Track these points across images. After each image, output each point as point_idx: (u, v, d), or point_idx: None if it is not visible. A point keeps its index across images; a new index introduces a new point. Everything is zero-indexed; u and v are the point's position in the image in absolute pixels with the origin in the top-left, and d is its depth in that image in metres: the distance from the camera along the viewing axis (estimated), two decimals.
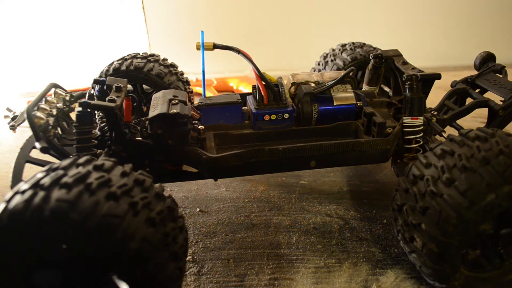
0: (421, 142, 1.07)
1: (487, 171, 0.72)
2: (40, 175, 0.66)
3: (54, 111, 1.03)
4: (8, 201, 0.63)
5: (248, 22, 2.55)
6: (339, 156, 1.02)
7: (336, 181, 1.34)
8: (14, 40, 2.40)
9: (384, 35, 2.54)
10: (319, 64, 1.54)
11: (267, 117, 1.07)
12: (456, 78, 1.28)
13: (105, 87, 1.03)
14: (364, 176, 1.36)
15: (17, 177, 0.99)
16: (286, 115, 1.08)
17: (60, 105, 1.08)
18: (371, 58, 1.22)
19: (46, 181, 0.64)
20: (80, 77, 2.64)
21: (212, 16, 2.52)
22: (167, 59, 1.36)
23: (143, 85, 1.33)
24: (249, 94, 1.17)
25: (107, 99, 0.94)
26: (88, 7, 2.48)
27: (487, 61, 1.28)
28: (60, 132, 1.06)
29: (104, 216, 0.62)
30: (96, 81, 1.05)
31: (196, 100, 1.15)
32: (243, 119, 1.11)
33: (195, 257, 1.02)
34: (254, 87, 1.11)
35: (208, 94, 1.97)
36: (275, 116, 1.07)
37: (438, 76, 1.16)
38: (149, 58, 1.31)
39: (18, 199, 0.62)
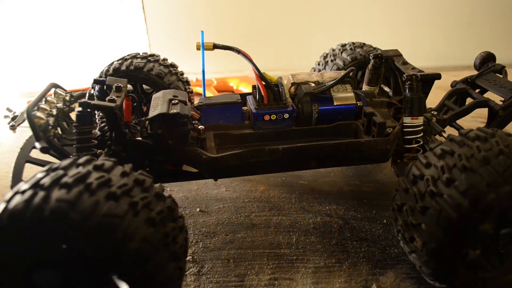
0: (421, 142, 1.07)
1: (487, 171, 0.72)
2: (40, 175, 0.66)
3: (54, 111, 1.03)
4: (8, 201, 0.63)
5: (248, 22, 2.55)
6: (339, 156, 1.02)
7: (336, 181, 1.33)
8: (14, 40, 2.40)
9: (384, 35, 2.54)
10: (319, 64, 1.54)
11: (267, 117, 1.07)
12: (456, 78, 1.28)
13: (105, 87, 1.03)
14: (364, 176, 1.36)
15: (17, 177, 0.99)
16: (286, 115, 1.08)
17: (60, 105, 1.08)
18: (371, 58, 1.22)
19: (46, 181, 0.64)
20: (80, 77, 2.64)
21: (212, 16, 2.52)
22: (167, 59, 1.36)
23: (143, 85, 1.33)
24: (249, 94, 1.17)
25: (107, 99, 0.94)
26: (88, 7, 2.48)
27: (487, 61, 1.28)
28: (60, 132, 1.06)
29: (104, 216, 0.62)
30: (96, 81, 1.05)
31: (196, 100, 1.15)
32: (243, 119, 1.12)
33: (195, 257, 1.02)
34: (254, 87, 1.11)
35: (208, 94, 1.97)
36: (275, 116, 1.07)
37: (438, 76, 1.16)
38: (149, 58, 1.31)
39: (18, 199, 0.62)
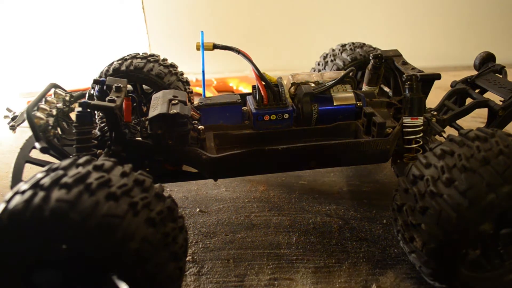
0: (421, 142, 1.07)
1: (487, 171, 0.72)
2: (40, 175, 0.66)
3: (54, 111, 1.03)
4: (8, 201, 0.63)
5: (248, 22, 2.55)
6: (339, 156, 1.02)
7: (336, 181, 1.34)
8: (14, 40, 2.40)
9: (384, 35, 2.54)
10: (319, 64, 1.54)
11: (267, 117, 1.07)
12: (456, 78, 1.28)
13: (105, 87, 1.03)
14: (364, 176, 1.36)
15: (17, 177, 0.99)
16: (286, 115, 1.08)
17: (60, 105, 1.08)
18: (371, 58, 1.22)
19: (46, 181, 0.64)
20: (80, 77, 2.64)
21: (212, 16, 2.52)
22: (167, 59, 1.36)
23: (143, 85, 1.33)
24: (249, 94, 1.16)
25: (107, 99, 0.94)
26: (88, 7, 2.48)
27: (487, 61, 1.28)
28: (60, 132, 1.06)
29: (104, 216, 0.62)
30: (96, 81, 1.05)
31: (196, 100, 1.15)
32: (243, 119, 1.11)
33: (195, 257, 1.02)
34: (254, 87, 1.11)
35: (208, 94, 1.97)
36: (275, 116, 1.07)
37: (438, 76, 1.16)
38: (149, 58, 1.31)
39: (18, 199, 0.62)
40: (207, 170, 0.99)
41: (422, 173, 0.80)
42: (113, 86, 1.00)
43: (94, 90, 1.06)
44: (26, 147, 1.04)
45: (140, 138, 0.99)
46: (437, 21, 2.58)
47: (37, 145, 0.93)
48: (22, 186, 0.65)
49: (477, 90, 1.24)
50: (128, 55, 1.31)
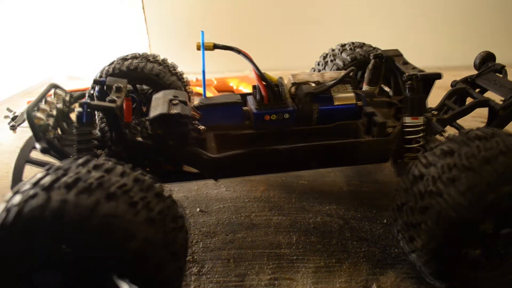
0: (422, 142, 1.07)
1: (487, 171, 0.72)
2: (40, 175, 0.66)
3: (54, 112, 1.03)
4: (8, 201, 0.63)
5: (248, 22, 2.55)
6: (340, 156, 1.02)
7: (336, 181, 1.34)
8: (13, 40, 2.39)
9: (384, 35, 2.54)
10: (318, 64, 1.54)
11: (267, 117, 1.07)
12: (456, 78, 1.28)
13: (105, 87, 1.03)
14: (364, 176, 1.36)
15: (17, 178, 0.99)
16: (287, 115, 1.08)
17: (60, 105, 1.07)
18: (371, 58, 1.22)
19: (46, 181, 0.64)
20: (80, 77, 2.64)
21: (213, 16, 2.52)
22: (166, 59, 1.36)
23: (143, 85, 1.33)
24: (249, 94, 1.16)
25: (107, 99, 0.94)
26: (88, 7, 2.48)
27: (487, 60, 1.27)
28: (60, 133, 1.06)
29: (104, 216, 0.62)
30: (96, 82, 1.05)
31: (196, 100, 1.15)
32: (244, 119, 1.11)
33: (195, 257, 1.02)
34: (254, 87, 1.10)
35: (208, 94, 1.96)
36: (275, 116, 1.07)
37: (438, 76, 1.16)
38: (149, 58, 1.31)
39: (18, 199, 0.62)
40: (208, 170, 0.99)
41: (423, 173, 0.80)
42: (113, 86, 1.00)
43: (94, 90, 1.06)
44: (26, 148, 1.04)
45: (140, 139, 0.99)
46: (437, 21, 2.58)
47: (37, 145, 0.93)
48: (22, 186, 0.65)
49: (477, 90, 1.24)
50: (128, 55, 1.31)
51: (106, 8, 2.48)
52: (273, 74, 1.12)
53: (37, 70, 2.49)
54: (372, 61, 1.21)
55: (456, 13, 2.56)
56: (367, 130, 1.06)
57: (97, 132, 1.02)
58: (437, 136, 1.13)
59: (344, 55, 1.44)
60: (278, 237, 1.08)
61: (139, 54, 1.33)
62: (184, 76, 1.40)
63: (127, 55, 1.32)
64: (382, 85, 1.33)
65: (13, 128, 1.11)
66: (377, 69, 1.21)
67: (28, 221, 0.61)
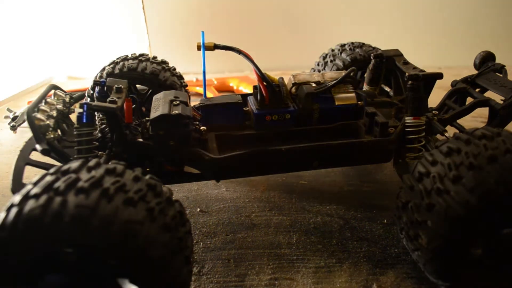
0: (423, 142, 1.07)
1: (495, 169, 0.72)
2: (50, 178, 0.64)
3: (54, 113, 1.03)
4: (21, 205, 0.60)
5: (248, 22, 2.55)
6: (341, 156, 1.02)
7: (336, 181, 1.34)
8: (14, 40, 2.39)
9: (384, 35, 2.54)
10: (318, 65, 1.54)
11: (268, 118, 1.07)
12: (456, 77, 1.28)
13: (105, 88, 1.03)
14: (364, 176, 1.36)
15: (17, 179, 0.98)
16: (288, 116, 1.08)
17: (60, 106, 1.07)
18: (372, 58, 1.22)
19: (61, 185, 0.62)
20: (80, 77, 2.64)
21: (213, 16, 2.52)
22: (157, 57, 1.35)
23: (138, 85, 1.32)
24: (250, 94, 1.16)
25: (108, 100, 0.93)
26: (89, 7, 2.48)
27: (486, 60, 1.28)
28: (60, 134, 1.06)
29: (125, 222, 0.61)
30: (96, 82, 1.05)
31: (196, 100, 1.15)
32: (244, 120, 1.11)
33: (196, 257, 1.02)
34: (255, 87, 1.10)
35: (208, 94, 1.97)
36: (276, 117, 1.07)
37: (440, 76, 1.16)
38: (140, 58, 1.30)
39: (32, 204, 0.60)
40: (210, 171, 0.99)
41: (428, 170, 0.80)
42: (114, 87, 1.00)
43: (94, 91, 1.06)
44: (26, 149, 1.03)
45: (141, 139, 0.98)
46: (437, 21, 2.58)
47: (38, 147, 0.92)
48: (33, 189, 0.62)
49: (477, 90, 1.24)
50: (118, 58, 1.30)
51: (106, 8, 2.48)
52: (273, 74, 1.12)
53: (37, 70, 2.49)
54: (373, 61, 1.21)
55: (456, 13, 2.56)
56: (369, 130, 1.06)
57: (97, 133, 1.02)
58: (438, 136, 1.13)
59: (343, 55, 1.44)
60: (278, 237, 1.08)
61: (139, 54, 1.32)
62: (184, 76, 1.39)
63: (127, 55, 1.31)
64: (382, 85, 1.33)
65: (13, 128, 1.11)
66: (377, 69, 1.21)
67: (46, 226, 0.59)
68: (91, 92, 1.20)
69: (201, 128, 1.02)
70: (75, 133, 0.95)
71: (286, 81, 1.13)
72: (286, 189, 1.29)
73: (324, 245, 1.05)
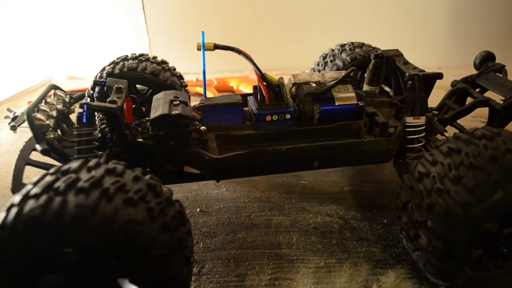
0: (423, 142, 1.07)
1: (495, 169, 0.72)
2: (50, 178, 0.64)
3: (54, 113, 1.03)
4: (21, 205, 0.60)
5: (248, 22, 2.55)
6: (342, 156, 1.02)
7: (336, 181, 1.34)
8: (14, 40, 2.40)
9: (384, 35, 2.54)
10: (318, 65, 1.54)
11: (268, 118, 1.07)
12: (456, 77, 1.28)
13: (105, 88, 1.03)
14: (364, 176, 1.36)
15: (17, 179, 0.98)
16: (288, 116, 1.08)
17: (60, 106, 1.07)
18: (372, 58, 1.22)
19: (60, 185, 0.62)
20: (80, 77, 2.64)
21: (213, 16, 2.52)
22: (156, 57, 1.35)
23: (138, 85, 1.32)
24: (250, 94, 1.16)
25: (108, 100, 0.93)
26: (89, 7, 2.48)
27: (486, 60, 1.28)
28: (60, 134, 1.06)
29: (125, 222, 0.61)
30: (96, 83, 1.05)
31: (196, 100, 1.15)
32: (245, 120, 1.11)
33: (196, 257, 1.02)
34: (255, 87, 1.10)
35: (208, 94, 1.97)
36: (276, 117, 1.07)
37: (440, 76, 1.16)
38: (140, 58, 1.30)
39: (32, 204, 0.60)
40: (210, 171, 0.99)
41: (428, 170, 0.80)
42: (114, 87, 0.99)
43: (94, 91, 1.06)
44: (26, 149, 1.03)
45: (141, 139, 0.98)
46: (437, 21, 2.58)
47: (38, 147, 0.92)
48: (33, 189, 0.62)
49: (477, 89, 1.24)
50: (118, 58, 1.30)
51: (106, 8, 2.48)
52: (273, 74, 1.12)
53: (38, 70, 2.49)
54: (373, 61, 1.21)
55: (456, 13, 2.56)
56: (369, 130, 1.06)
57: (97, 133, 1.02)
58: (438, 136, 1.13)
59: (343, 55, 1.44)
60: (278, 237, 1.08)
61: (139, 54, 1.32)
62: (184, 76, 1.39)
63: (127, 55, 1.31)
64: (382, 85, 1.33)
65: (14, 128, 1.11)
66: (377, 69, 1.21)
67: (46, 226, 0.59)
68: (91, 92, 1.20)
69: (201, 128, 1.02)
70: (75, 133, 0.95)
71: (286, 81, 1.13)
72: (286, 189, 1.29)
73: (324, 245, 1.05)
